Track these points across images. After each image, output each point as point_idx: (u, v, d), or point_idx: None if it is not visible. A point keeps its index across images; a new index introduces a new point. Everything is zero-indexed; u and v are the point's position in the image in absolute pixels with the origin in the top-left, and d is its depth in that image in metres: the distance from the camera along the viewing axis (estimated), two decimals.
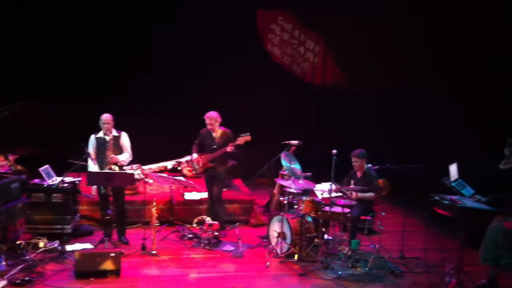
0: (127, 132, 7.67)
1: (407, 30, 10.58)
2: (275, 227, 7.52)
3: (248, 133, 7.83)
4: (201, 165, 8.05)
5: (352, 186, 7.27)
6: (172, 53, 10.92)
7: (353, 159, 7.54)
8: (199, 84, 10.94)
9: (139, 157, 8.05)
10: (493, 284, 6.37)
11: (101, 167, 7.44)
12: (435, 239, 7.59)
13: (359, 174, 7.58)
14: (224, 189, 8.70)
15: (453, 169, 6.84)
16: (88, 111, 10.05)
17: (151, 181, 8.64)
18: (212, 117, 7.97)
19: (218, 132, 8.03)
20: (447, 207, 6.01)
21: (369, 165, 7.59)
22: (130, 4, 10.75)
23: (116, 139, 7.56)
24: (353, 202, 7.24)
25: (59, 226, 7.38)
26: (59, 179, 7.60)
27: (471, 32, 9.18)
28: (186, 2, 10.85)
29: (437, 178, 6.96)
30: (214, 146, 7.97)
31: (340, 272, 6.85)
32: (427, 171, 7.74)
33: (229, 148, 7.79)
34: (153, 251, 7.29)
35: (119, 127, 7.64)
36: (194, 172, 8.34)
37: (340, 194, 7.71)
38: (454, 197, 6.14)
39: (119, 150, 7.54)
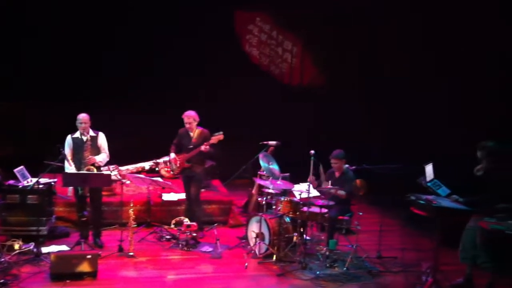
0: (103, 132, 7.58)
1: (383, 30, 10.70)
2: (253, 228, 7.53)
3: (221, 132, 7.83)
4: (178, 165, 8.02)
5: (329, 186, 7.33)
6: (154, 53, 10.85)
7: (333, 161, 7.60)
8: (176, 84, 10.88)
9: (116, 158, 7.97)
10: (469, 283, 6.47)
11: (78, 168, 7.34)
12: (412, 239, 7.69)
13: (337, 174, 7.64)
14: (202, 190, 8.67)
15: (429, 169, 6.91)
16: (63, 111, 9.97)
17: (128, 182, 8.58)
18: (190, 116, 7.95)
19: (195, 132, 8.01)
20: (423, 207, 6.07)
21: (347, 165, 7.65)
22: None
23: (94, 139, 7.47)
24: (331, 203, 7.28)
25: (35, 228, 7.26)
26: (34, 180, 7.49)
27: (455, 32, 9.30)
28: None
29: (413, 178, 7.03)
30: (191, 146, 7.95)
31: (318, 272, 6.88)
32: (404, 171, 7.84)
33: (203, 148, 7.77)
34: (131, 252, 7.23)
35: (95, 127, 7.56)
36: (171, 172, 8.30)
37: (318, 194, 7.76)
38: (430, 197, 6.21)
39: (97, 150, 7.46)
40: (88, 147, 7.38)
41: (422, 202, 6.13)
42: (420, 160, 7.04)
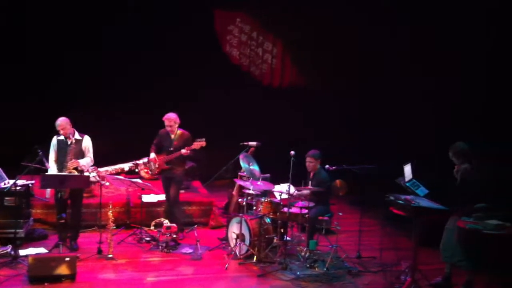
0: (77, 131, 7.46)
1: (363, 30, 10.76)
2: (234, 229, 7.52)
3: (204, 139, 7.81)
4: (157, 165, 7.98)
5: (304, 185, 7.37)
6: (133, 52, 10.77)
7: (308, 159, 7.66)
8: (157, 85, 10.82)
9: (95, 159, 7.89)
10: (448, 282, 6.54)
11: (60, 171, 7.24)
12: (391, 239, 7.74)
13: (311, 174, 7.69)
14: (183, 191, 8.65)
15: (407, 169, 6.99)
16: (42, 112, 9.87)
17: (107, 183, 8.49)
18: (171, 119, 7.91)
19: (176, 134, 7.98)
20: (402, 206, 6.12)
21: (326, 166, 7.69)
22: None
23: (78, 142, 7.36)
24: (311, 203, 7.31)
25: (12, 230, 7.16)
26: (12, 182, 7.38)
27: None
28: None
29: (392, 178, 7.10)
30: (171, 148, 7.91)
31: (298, 273, 6.90)
32: (383, 172, 7.91)
33: (183, 152, 7.75)
34: (110, 254, 7.17)
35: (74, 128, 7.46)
36: (150, 172, 8.25)
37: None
38: (408, 197, 6.27)
39: (81, 154, 7.35)
40: (72, 150, 7.28)
41: (401, 202, 6.18)
42: (399, 160, 7.12)
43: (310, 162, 7.65)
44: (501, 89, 7.35)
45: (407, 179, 6.95)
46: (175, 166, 7.97)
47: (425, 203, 6.21)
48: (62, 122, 7.27)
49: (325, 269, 7.05)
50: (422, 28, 9.54)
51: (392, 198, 6.33)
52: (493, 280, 6.16)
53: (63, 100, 9.88)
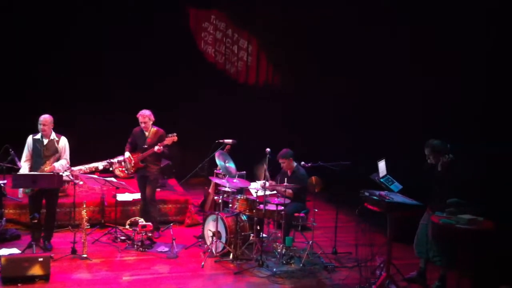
0: (55, 131, 7.36)
1: (338, 29, 10.81)
2: (210, 227, 7.50)
3: (175, 134, 7.80)
4: (132, 164, 7.92)
5: (285, 183, 7.38)
6: (106, 52, 10.65)
7: (280, 160, 7.71)
8: (131, 83, 10.73)
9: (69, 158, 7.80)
10: (422, 277, 6.63)
11: (34, 170, 7.11)
12: (366, 234, 7.79)
13: (289, 173, 7.71)
14: (158, 189, 8.59)
15: (382, 165, 7.04)
16: (15, 110, 9.72)
17: (81, 182, 8.41)
18: (145, 115, 7.85)
19: (150, 131, 7.92)
20: (376, 202, 6.17)
21: (302, 162, 7.72)
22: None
23: (54, 143, 7.24)
24: (287, 200, 7.33)
25: None
26: None
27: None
28: None
29: (367, 174, 7.15)
30: (145, 146, 7.86)
31: (274, 269, 6.92)
32: (358, 168, 7.97)
33: (156, 149, 7.70)
34: (84, 254, 7.09)
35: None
36: (125, 171, 8.18)
37: (274, 192, 7.80)
38: (383, 193, 6.32)
39: (56, 154, 7.23)
40: (48, 150, 7.16)
41: (375, 198, 6.22)
42: (374, 156, 7.18)
43: (283, 163, 7.70)
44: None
45: (381, 175, 6.99)
46: (150, 164, 7.92)
47: (399, 198, 6.26)
48: (46, 118, 7.14)
49: (301, 265, 7.09)
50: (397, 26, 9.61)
51: (367, 194, 6.37)
52: (466, 275, 6.24)
53: (35, 100, 9.72)
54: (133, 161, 7.91)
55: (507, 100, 6.89)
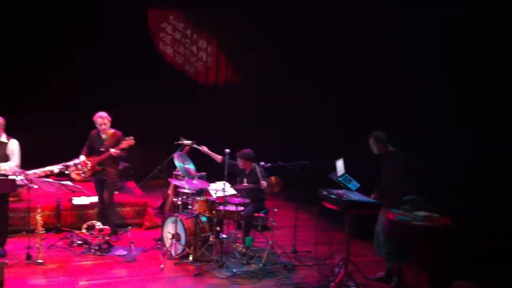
0: (11, 136, 7.16)
1: (295, 30, 10.87)
2: (169, 229, 7.42)
3: (132, 137, 7.71)
4: (89, 168, 7.77)
5: (245, 183, 7.39)
6: (64, 51, 10.43)
7: (237, 160, 7.72)
8: (88, 84, 10.53)
9: (23, 162, 7.60)
10: (390, 277, 6.68)
11: None
12: (325, 233, 7.87)
13: (247, 171, 7.76)
14: (116, 192, 8.46)
15: (340, 164, 7.11)
16: None
17: (35, 186, 8.18)
18: (103, 117, 7.74)
19: (107, 134, 7.80)
20: (334, 201, 6.23)
21: (262, 162, 7.74)
22: None
23: (3, 145, 7.03)
24: (246, 200, 7.33)
25: None
26: None
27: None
28: None
29: (325, 173, 7.21)
30: (102, 149, 7.73)
31: (235, 270, 6.90)
32: (316, 167, 8.04)
33: (113, 152, 7.59)
34: (39, 260, 6.92)
35: None
36: (82, 175, 8.02)
37: (234, 192, 7.79)
38: (340, 191, 6.38)
39: (4, 157, 7.02)
40: None
41: (333, 196, 6.28)
42: (331, 155, 7.24)
43: (239, 162, 7.75)
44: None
45: (339, 173, 7.06)
46: (108, 168, 7.79)
47: (356, 197, 6.33)
48: None
49: (261, 265, 7.09)
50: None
51: (325, 192, 6.42)
52: (421, 271, 6.36)
53: None
54: (89, 165, 7.76)
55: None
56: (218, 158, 7.91)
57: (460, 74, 6.78)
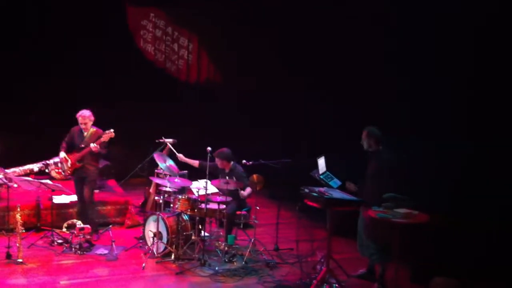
0: None
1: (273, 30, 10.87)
2: (151, 227, 7.39)
3: (112, 130, 7.63)
4: (69, 165, 7.70)
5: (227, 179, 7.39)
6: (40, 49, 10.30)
7: (216, 159, 7.77)
8: (69, 82, 10.42)
9: (2, 161, 7.52)
10: (372, 274, 6.72)
11: None
12: (307, 230, 7.91)
13: (227, 170, 7.78)
14: (97, 191, 8.40)
15: (321, 162, 7.16)
16: None
17: (15, 185, 8.11)
18: (85, 116, 7.67)
19: (89, 132, 7.75)
20: (316, 199, 6.24)
21: (244, 161, 7.75)
22: None
23: None
24: (228, 198, 7.33)
25: None
26: None
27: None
28: None
29: (307, 171, 7.25)
30: (83, 145, 7.66)
31: (217, 268, 6.90)
32: (298, 165, 8.07)
33: (92, 147, 7.52)
34: (19, 259, 6.84)
35: None
36: (62, 173, 7.94)
37: (216, 190, 7.79)
38: (322, 189, 6.41)
39: None
40: None
41: (315, 194, 6.30)
42: (313, 153, 7.29)
43: (217, 162, 7.77)
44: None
45: (321, 171, 7.11)
46: (88, 165, 7.72)
47: (338, 194, 6.37)
48: None
49: (243, 262, 7.11)
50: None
51: (306, 190, 6.44)
52: (401, 267, 6.42)
53: None
54: (69, 162, 7.69)
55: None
56: (196, 163, 7.93)
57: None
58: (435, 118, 7.42)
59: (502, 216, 5.89)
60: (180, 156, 8.05)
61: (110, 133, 7.62)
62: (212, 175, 7.66)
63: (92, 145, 7.52)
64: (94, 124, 7.80)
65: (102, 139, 7.57)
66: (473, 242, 6.06)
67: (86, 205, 7.81)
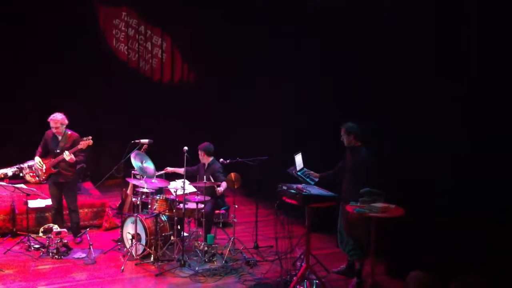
0: None
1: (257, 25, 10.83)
2: (129, 229, 7.34)
3: (90, 137, 7.51)
4: (44, 170, 7.57)
5: (204, 179, 7.37)
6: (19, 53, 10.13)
7: (199, 152, 7.86)
8: (42, 83, 10.26)
9: None
10: (351, 269, 6.77)
11: None
12: (286, 227, 7.94)
13: (206, 165, 7.85)
14: None
15: (298, 158, 7.18)
16: None
17: None
18: (57, 120, 7.51)
19: (64, 136, 7.61)
20: (293, 195, 6.26)
21: (221, 159, 7.75)
22: None
23: None
24: (207, 198, 7.32)
25: None
26: None
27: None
28: None
29: (284, 168, 7.27)
30: (58, 151, 7.54)
31: (197, 268, 6.89)
32: (275, 162, 8.10)
33: (68, 159, 7.39)
34: None
35: None
36: (37, 179, 7.81)
37: (194, 190, 7.77)
38: (300, 186, 6.43)
39: None
40: None
41: (293, 191, 6.32)
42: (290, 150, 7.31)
43: (200, 154, 7.86)
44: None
45: (298, 168, 7.13)
46: (64, 171, 7.60)
47: (315, 191, 6.38)
48: None
49: (223, 262, 7.11)
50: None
51: (284, 187, 6.45)
52: (378, 262, 6.49)
53: None
54: (44, 167, 7.56)
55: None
56: (182, 171, 7.84)
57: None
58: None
59: (488, 212, 5.95)
60: (167, 168, 8.00)
61: (88, 140, 7.48)
62: (193, 178, 7.71)
63: (65, 154, 7.36)
64: (69, 126, 7.66)
65: (80, 146, 7.44)
66: (453, 236, 6.14)
67: (71, 211, 7.77)
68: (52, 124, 7.51)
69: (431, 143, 6.48)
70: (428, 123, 6.57)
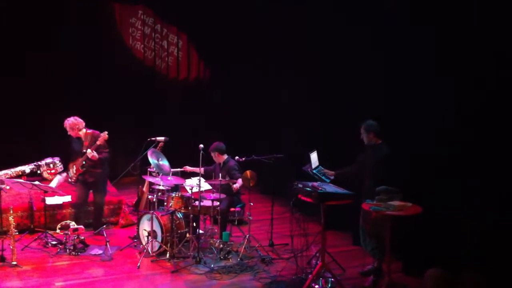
0: None
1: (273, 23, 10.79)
2: (145, 226, 7.38)
3: (105, 132, 7.68)
4: (74, 171, 7.80)
5: (220, 178, 7.38)
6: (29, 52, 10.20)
7: (211, 154, 7.83)
8: (59, 83, 10.34)
9: None
10: (378, 270, 6.71)
11: None
12: (301, 225, 7.92)
13: (221, 164, 7.86)
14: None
15: (314, 156, 7.16)
16: None
17: (7, 187, 8.05)
18: (67, 125, 7.78)
19: (85, 136, 7.78)
20: (309, 193, 6.26)
21: (236, 157, 7.76)
22: None
23: None
24: (222, 195, 7.33)
25: None
26: None
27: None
28: None
29: (300, 166, 7.26)
30: (84, 151, 7.71)
31: (212, 265, 6.91)
32: (291, 160, 8.08)
33: (90, 156, 7.57)
34: (14, 261, 6.82)
35: None
36: (69, 180, 8.04)
37: (209, 187, 7.79)
38: (315, 184, 6.42)
39: None
40: None
41: (308, 189, 6.31)
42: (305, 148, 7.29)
43: (213, 156, 7.85)
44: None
45: (313, 166, 7.12)
46: (92, 169, 7.78)
47: (331, 188, 6.38)
48: None
49: (238, 259, 7.12)
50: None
51: (300, 185, 6.45)
52: (395, 259, 6.45)
53: None
54: (74, 168, 7.82)
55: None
56: (201, 170, 7.84)
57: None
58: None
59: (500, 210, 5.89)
60: (186, 167, 8.10)
61: (104, 135, 7.64)
62: (209, 177, 7.75)
63: (88, 152, 7.54)
64: (88, 125, 7.81)
65: (98, 142, 7.60)
66: (467, 233, 6.08)
67: (98, 210, 7.99)
68: (67, 129, 7.73)
69: (454, 141, 6.39)
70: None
